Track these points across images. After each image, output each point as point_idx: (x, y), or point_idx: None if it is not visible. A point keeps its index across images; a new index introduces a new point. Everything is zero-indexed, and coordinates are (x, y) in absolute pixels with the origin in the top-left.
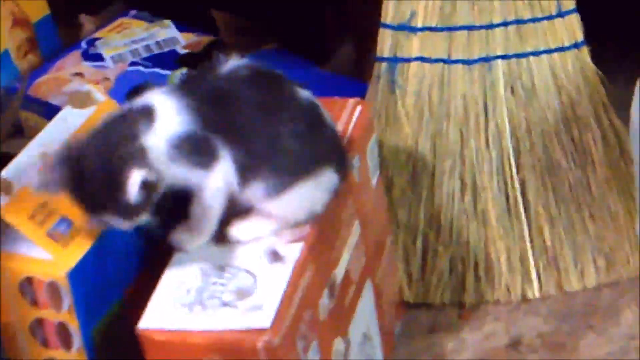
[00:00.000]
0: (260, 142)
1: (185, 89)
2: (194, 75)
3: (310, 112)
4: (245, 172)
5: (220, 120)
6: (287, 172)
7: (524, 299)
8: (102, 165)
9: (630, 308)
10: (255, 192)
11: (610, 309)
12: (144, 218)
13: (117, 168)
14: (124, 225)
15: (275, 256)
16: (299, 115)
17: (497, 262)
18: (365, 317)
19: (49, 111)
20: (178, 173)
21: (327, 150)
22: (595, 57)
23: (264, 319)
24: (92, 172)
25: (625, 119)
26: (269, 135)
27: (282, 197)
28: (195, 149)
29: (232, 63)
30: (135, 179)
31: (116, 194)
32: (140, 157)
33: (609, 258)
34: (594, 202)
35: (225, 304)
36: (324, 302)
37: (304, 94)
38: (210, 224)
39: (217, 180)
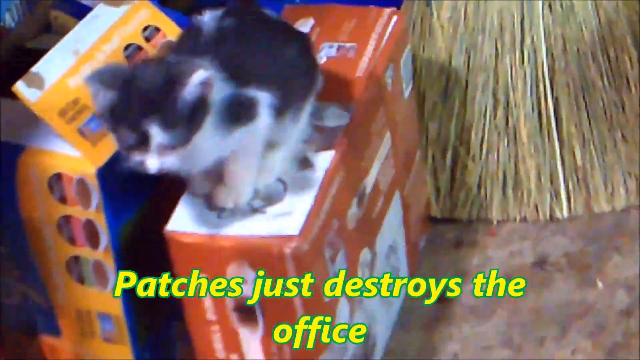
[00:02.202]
0: (282, 81)
1: (197, 52)
2: (191, 37)
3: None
4: (278, 115)
5: (244, 72)
6: (301, 97)
7: (552, 218)
8: (159, 74)
9: None
10: (286, 128)
11: (638, 231)
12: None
13: (177, 71)
14: (166, 141)
15: (306, 163)
16: (289, 42)
17: (526, 180)
18: (392, 229)
19: (80, 10)
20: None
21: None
22: None
23: (292, 225)
24: (148, 78)
25: None
26: (282, 72)
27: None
28: (237, 109)
29: (210, 17)
30: (198, 76)
31: (173, 91)
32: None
33: (639, 180)
34: (627, 123)
35: (254, 210)
36: (353, 211)
37: (276, 18)
38: (250, 181)
39: (258, 135)
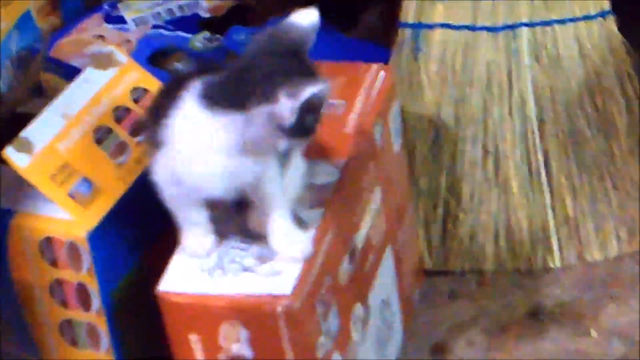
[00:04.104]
0: None
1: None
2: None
3: None
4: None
5: None
6: None
7: (545, 268)
8: None
9: None
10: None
11: (632, 279)
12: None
13: None
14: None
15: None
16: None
17: (518, 230)
18: (385, 283)
19: (70, 73)
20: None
21: None
22: (622, 27)
23: (284, 284)
24: None
25: None
26: None
27: None
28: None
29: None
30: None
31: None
32: None
33: (631, 228)
34: (617, 172)
35: (245, 269)
36: (345, 267)
37: None
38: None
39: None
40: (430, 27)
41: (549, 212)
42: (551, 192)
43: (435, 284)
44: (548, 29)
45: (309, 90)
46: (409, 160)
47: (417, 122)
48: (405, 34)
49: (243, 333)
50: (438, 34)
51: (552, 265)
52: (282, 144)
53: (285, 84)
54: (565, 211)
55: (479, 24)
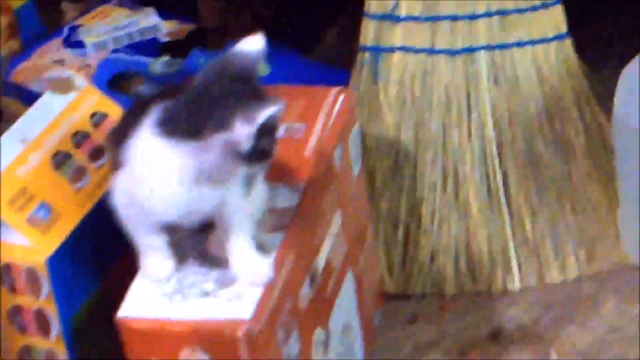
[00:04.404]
0: None
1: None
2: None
3: None
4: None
5: None
6: None
7: (505, 290)
8: None
9: (611, 300)
10: None
11: (591, 300)
12: None
13: None
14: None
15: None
16: None
17: (478, 253)
18: (346, 307)
19: (30, 97)
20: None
21: None
22: (579, 49)
23: (244, 308)
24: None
25: (608, 111)
26: None
27: None
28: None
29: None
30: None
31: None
32: None
33: (590, 250)
34: (576, 193)
35: (206, 294)
36: (305, 291)
37: None
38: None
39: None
40: (390, 50)
41: (509, 234)
42: (510, 214)
43: (396, 307)
44: (506, 52)
45: (264, 114)
46: (369, 183)
47: (377, 144)
48: (364, 57)
49: (204, 358)
50: (397, 57)
51: (511, 287)
52: (241, 170)
53: (238, 109)
54: (524, 233)
55: (438, 47)
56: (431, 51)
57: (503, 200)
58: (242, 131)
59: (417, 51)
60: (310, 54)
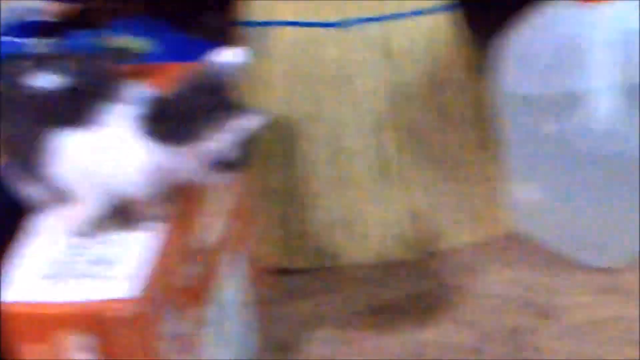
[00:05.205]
0: None
1: None
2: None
3: None
4: None
5: None
6: None
7: (399, 261)
8: None
9: (500, 268)
10: None
11: (481, 268)
12: None
13: None
14: None
15: (138, 224)
16: None
17: (371, 225)
18: (233, 283)
19: None
20: None
21: None
22: (468, 20)
23: (129, 288)
24: None
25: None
26: None
27: None
28: None
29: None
30: None
31: None
32: None
33: (480, 219)
34: (466, 164)
35: (87, 275)
36: (189, 269)
37: None
38: None
39: None
40: (277, 24)
41: (401, 205)
42: (400, 185)
43: (287, 282)
44: (398, 23)
45: (239, 125)
46: (260, 159)
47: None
48: (252, 33)
49: (85, 340)
50: (286, 32)
51: (405, 258)
52: (214, 177)
53: (214, 119)
54: (416, 204)
55: (327, 20)
56: (319, 24)
57: (394, 172)
58: (218, 141)
59: (305, 25)
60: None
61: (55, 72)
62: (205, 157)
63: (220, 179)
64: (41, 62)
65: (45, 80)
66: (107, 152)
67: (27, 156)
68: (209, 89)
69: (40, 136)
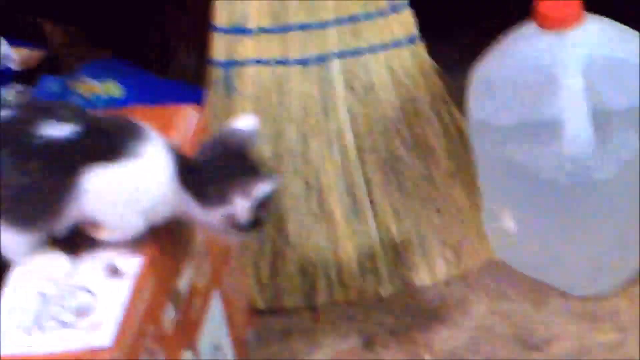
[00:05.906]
0: None
1: None
2: None
3: None
4: None
5: None
6: None
7: (376, 297)
8: None
9: (480, 299)
10: None
11: (461, 301)
12: None
13: None
14: None
15: (114, 271)
16: None
17: (347, 261)
18: (214, 327)
19: None
20: None
21: None
22: (432, 52)
23: (104, 336)
24: None
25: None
26: None
27: None
28: None
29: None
30: None
31: None
32: None
33: (457, 250)
34: (439, 195)
35: (64, 325)
36: (169, 314)
37: None
38: None
39: None
40: (242, 63)
41: (376, 240)
42: (375, 220)
43: (268, 323)
44: (360, 58)
45: (260, 189)
46: None
47: None
48: (217, 73)
49: None
50: (250, 71)
51: (383, 293)
52: (236, 237)
53: (237, 185)
54: (391, 238)
55: (291, 57)
56: (284, 62)
57: (367, 206)
58: (240, 205)
59: (270, 63)
60: (166, 72)
61: (59, 120)
62: (229, 219)
63: (238, 238)
64: (38, 111)
65: (55, 129)
66: (143, 181)
67: (42, 201)
68: (235, 154)
69: (61, 181)
